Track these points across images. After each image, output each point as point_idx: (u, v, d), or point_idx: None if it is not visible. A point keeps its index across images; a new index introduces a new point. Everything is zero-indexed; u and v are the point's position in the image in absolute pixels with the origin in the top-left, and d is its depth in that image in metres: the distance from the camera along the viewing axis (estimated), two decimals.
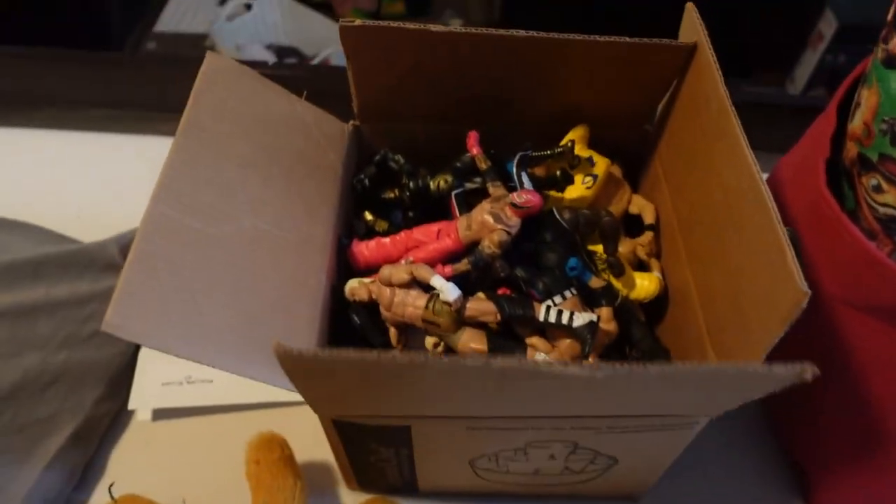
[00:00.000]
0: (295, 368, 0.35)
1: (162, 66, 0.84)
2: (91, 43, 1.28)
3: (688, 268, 0.51)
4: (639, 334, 0.51)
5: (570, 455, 0.49)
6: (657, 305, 0.55)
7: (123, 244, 0.67)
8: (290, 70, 0.78)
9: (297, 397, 0.40)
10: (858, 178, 0.47)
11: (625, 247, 0.56)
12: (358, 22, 0.46)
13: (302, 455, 0.55)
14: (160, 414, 0.62)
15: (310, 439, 0.54)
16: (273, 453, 0.53)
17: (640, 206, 0.58)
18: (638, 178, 0.62)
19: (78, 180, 0.83)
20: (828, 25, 1.23)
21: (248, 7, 1.33)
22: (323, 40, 1.35)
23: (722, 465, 0.61)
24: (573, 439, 0.47)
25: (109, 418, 0.61)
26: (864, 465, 0.53)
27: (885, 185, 0.45)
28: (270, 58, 1.39)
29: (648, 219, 0.56)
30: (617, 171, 0.58)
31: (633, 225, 0.59)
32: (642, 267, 0.58)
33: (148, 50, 1.38)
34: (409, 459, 0.50)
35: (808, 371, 0.34)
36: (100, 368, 0.61)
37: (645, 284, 0.53)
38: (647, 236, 0.56)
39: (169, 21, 1.48)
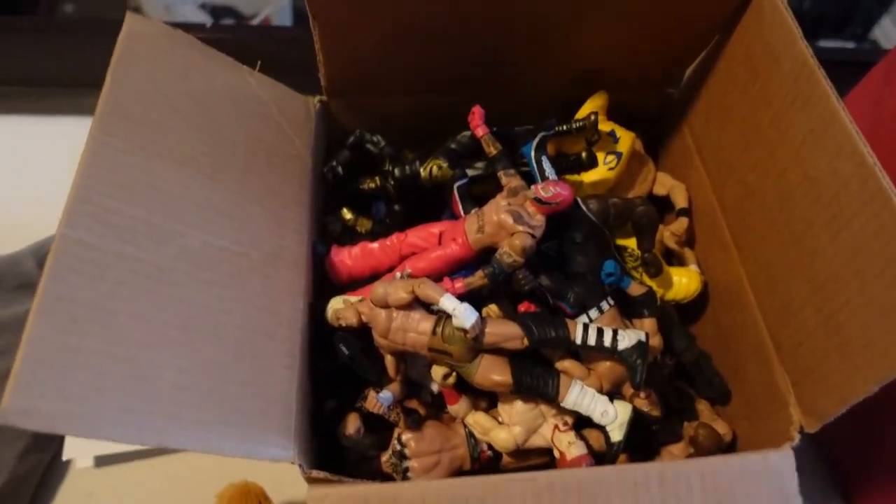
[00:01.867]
0: None
1: (81, 31, 0.69)
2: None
3: (739, 262, 0.42)
4: (682, 344, 0.43)
5: None
6: (691, 301, 0.47)
7: (42, 256, 0.55)
8: (233, 33, 0.65)
9: None
10: None
11: None
12: None
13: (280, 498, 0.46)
14: (104, 460, 0.52)
15: (287, 483, 0.45)
16: None
17: (669, 186, 0.49)
18: (659, 151, 0.53)
19: None
20: None
21: None
22: None
23: None
24: None
25: (39, 473, 0.50)
26: None
27: None
28: (206, 19, 1.22)
29: (681, 202, 0.48)
30: (639, 145, 0.49)
31: (658, 208, 0.50)
32: (669, 257, 0.49)
33: (65, 13, 1.21)
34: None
35: None
36: None
37: (684, 283, 0.45)
38: (682, 223, 0.47)
39: None
